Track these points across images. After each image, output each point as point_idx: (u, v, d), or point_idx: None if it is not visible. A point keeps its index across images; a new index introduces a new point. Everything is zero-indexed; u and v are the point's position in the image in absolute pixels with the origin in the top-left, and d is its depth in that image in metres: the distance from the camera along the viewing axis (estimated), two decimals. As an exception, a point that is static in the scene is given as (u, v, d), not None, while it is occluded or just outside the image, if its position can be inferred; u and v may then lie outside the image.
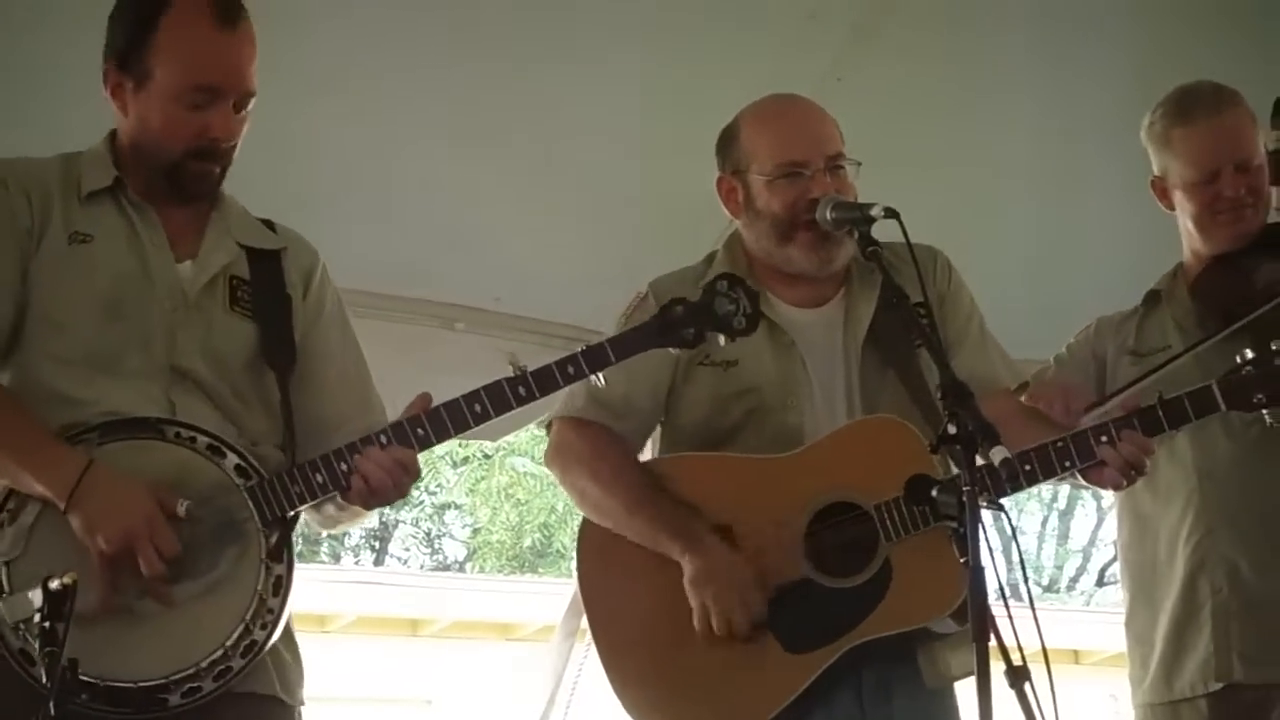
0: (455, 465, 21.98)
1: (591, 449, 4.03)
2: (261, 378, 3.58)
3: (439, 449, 20.81)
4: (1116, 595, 4.51)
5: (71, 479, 3.26)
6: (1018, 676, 3.12)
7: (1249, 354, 3.81)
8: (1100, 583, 25.19)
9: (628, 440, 4.09)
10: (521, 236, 5.61)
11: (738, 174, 4.07)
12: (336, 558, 23.17)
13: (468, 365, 5.63)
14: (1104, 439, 3.81)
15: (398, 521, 23.72)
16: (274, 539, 3.41)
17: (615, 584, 3.97)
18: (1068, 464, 3.82)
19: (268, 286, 3.63)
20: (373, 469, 3.45)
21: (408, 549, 24.22)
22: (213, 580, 3.35)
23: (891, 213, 3.68)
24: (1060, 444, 3.83)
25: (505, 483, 21.32)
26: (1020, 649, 3.16)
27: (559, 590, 9.68)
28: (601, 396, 3.99)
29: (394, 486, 3.48)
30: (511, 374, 3.53)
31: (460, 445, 20.95)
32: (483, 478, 21.57)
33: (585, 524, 4.04)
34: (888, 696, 3.89)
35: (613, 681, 3.90)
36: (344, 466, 3.45)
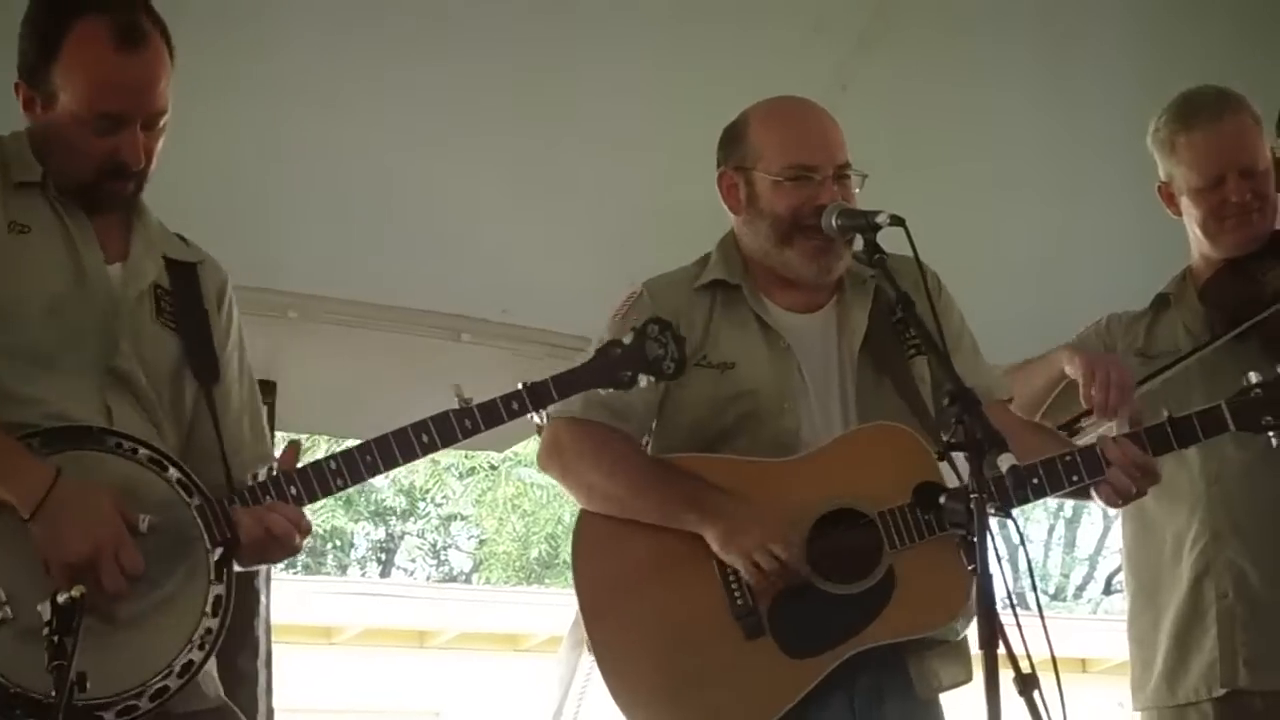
0: (461, 476, 21.96)
1: (592, 442, 3.96)
2: (181, 392, 3.53)
3: (444, 460, 20.75)
4: (1123, 603, 4.50)
5: (39, 489, 3.20)
6: (1026, 684, 3.12)
7: (1256, 377, 3.83)
8: (1107, 591, 25.14)
9: (627, 434, 4.03)
10: (528, 248, 5.61)
11: (741, 170, 4.03)
12: (343, 569, 23.17)
13: (474, 376, 5.61)
14: (1108, 459, 3.81)
15: (404, 533, 23.71)
16: (218, 558, 3.37)
17: (613, 584, 3.93)
18: (1075, 478, 3.82)
19: (188, 299, 3.58)
20: (251, 524, 3.41)
21: (414, 560, 24.19)
22: (161, 598, 3.30)
23: (898, 220, 3.68)
24: (1069, 458, 3.83)
25: (512, 493, 21.29)
26: (1029, 657, 3.17)
27: (566, 601, 9.65)
28: (598, 397, 3.95)
29: (278, 544, 3.45)
30: (457, 405, 3.55)
31: (466, 456, 20.90)
32: (489, 488, 21.54)
33: (580, 526, 3.98)
34: (880, 703, 3.87)
35: (609, 683, 3.86)
36: (294, 490, 3.44)
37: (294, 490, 3.45)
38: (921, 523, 3.78)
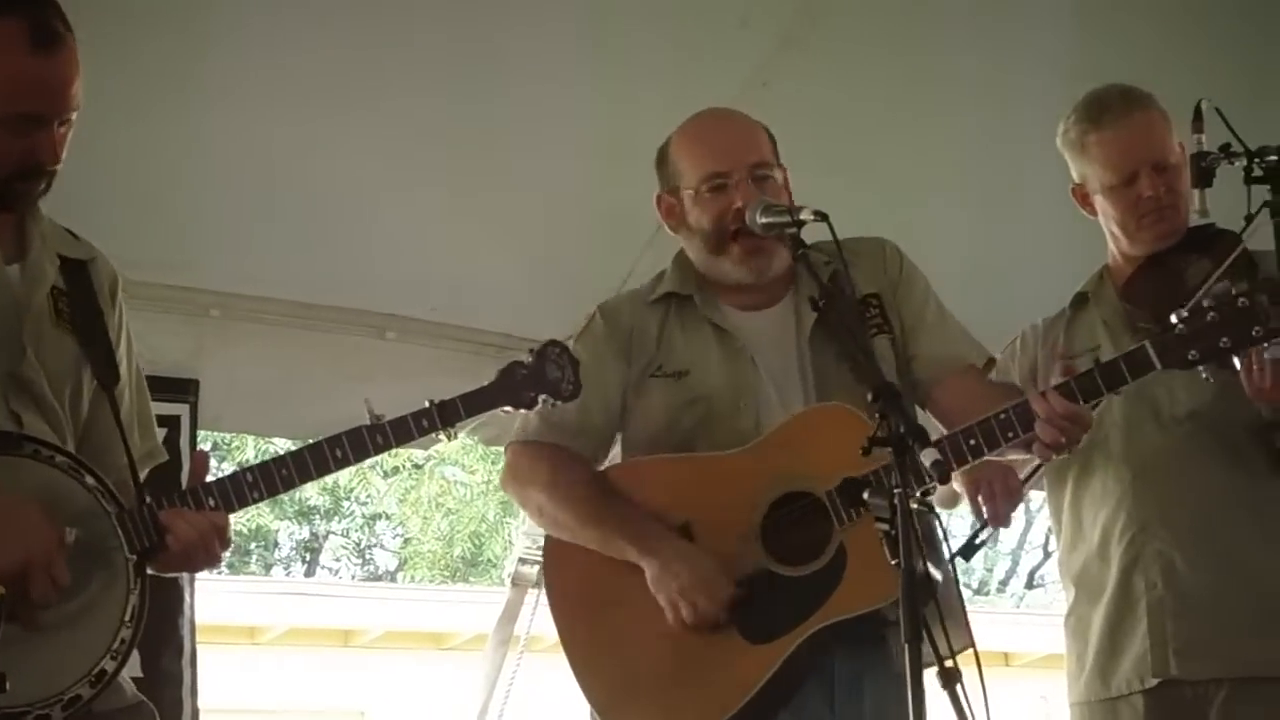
0: (385, 475, 21.88)
1: (545, 467, 4.10)
2: (79, 395, 3.52)
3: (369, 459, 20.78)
4: (1046, 598, 4.55)
5: None
6: (949, 678, 3.14)
7: (1182, 313, 3.78)
8: (1030, 585, 25.30)
9: (585, 456, 4.14)
10: (453, 247, 5.60)
11: (672, 191, 4.12)
12: (268, 569, 23.04)
13: (399, 375, 5.62)
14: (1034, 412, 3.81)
15: (329, 533, 23.61)
16: (134, 567, 3.37)
17: (578, 593, 4.03)
18: (1011, 435, 3.81)
19: (83, 299, 3.55)
20: (184, 528, 3.42)
21: (338, 560, 24.09)
22: (80, 606, 3.30)
23: (821, 215, 3.71)
24: (1003, 415, 3.83)
25: (436, 492, 21.21)
26: (952, 651, 3.19)
27: (491, 599, 9.65)
28: (554, 418, 4.04)
29: (205, 551, 3.46)
30: (369, 421, 3.58)
31: (390, 455, 20.84)
32: (413, 487, 21.47)
33: (549, 540, 4.13)
34: (859, 691, 3.91)
35: (582, 686, 3.95)
36: (211, 501, 3.44)
37: (211, 502, 3.46)
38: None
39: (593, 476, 4.10)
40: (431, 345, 5.75)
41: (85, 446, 3.51)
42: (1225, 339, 3.72)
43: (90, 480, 3.37)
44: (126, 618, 3.34)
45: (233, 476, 3.49)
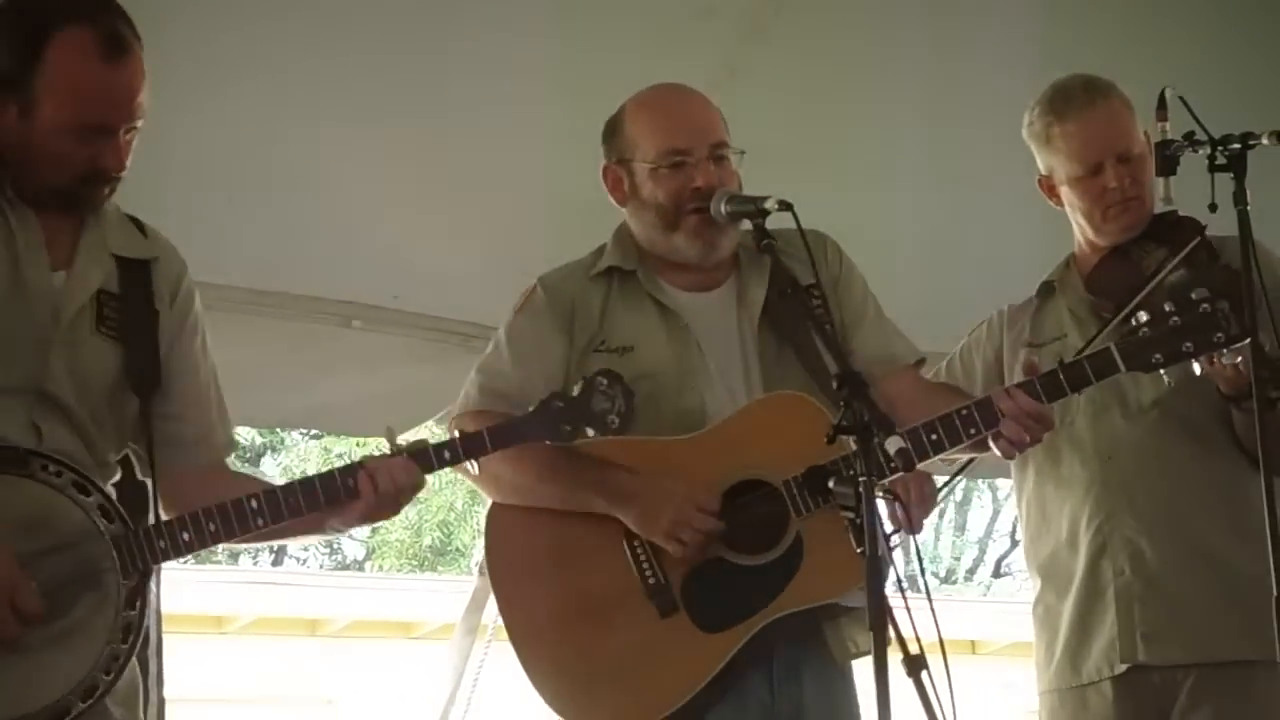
0: (353, 465, 21.84)
1: None
2: (121, 400, 3.50)
3: (335, 448, 20.55)
4: (1013, 586, 4.56)
5: None
6: (914, 666, 3.15)
7: (1144, 316, 3.84)
8: (997, 574, 25.37)
9: None
10: (419, 234, 5.59)
11: (623, 163, 4.08)
12: (235, 558, 22.99)
13: (365, 363, 5.62)
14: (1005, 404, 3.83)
15: (296, 522, 23.55)
16: (131, 586, 3.36)
17: (525, 572, 3.95)
18: (973, 430, 3.84)
19: (136, 302, 3.53)
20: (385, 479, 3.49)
21: (306, 549, 24.02)
22: (66, 626, 3.28)
23: (785, 205, 3.71)
24: (965, 411, 3.85)
25: (404, 481, 21.19)
26: (918, 639, 3.19)
27: (459, 588, 9.66)
28: (497, 387, 4.00)
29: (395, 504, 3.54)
30: (389, 451, 3.57)
31: (358, 444, 20.80)
32: (380, 476, 21.44)
33: (492, 516, 4.02)
34: (797, 679, 3.91)
35: (526, 669, 3.88)
36: (212, 526, 3.42)
37: (212, 527, 3.43)
38: (825, 488, 3.81)
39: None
40: (395, 334, 5.72)
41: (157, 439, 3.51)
42: (1189, 344, 3.80)
43: (94, 498, 3.34)
44: (118, 638, 3.32)
45: (236, 503, 3.44)
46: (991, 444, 3.91)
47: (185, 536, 3.41)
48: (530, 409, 3.66)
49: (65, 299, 3.44)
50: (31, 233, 3.43)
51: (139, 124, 3.45)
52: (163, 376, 3.55)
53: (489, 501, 4.04)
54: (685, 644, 3.83)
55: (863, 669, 3.90)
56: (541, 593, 3.93)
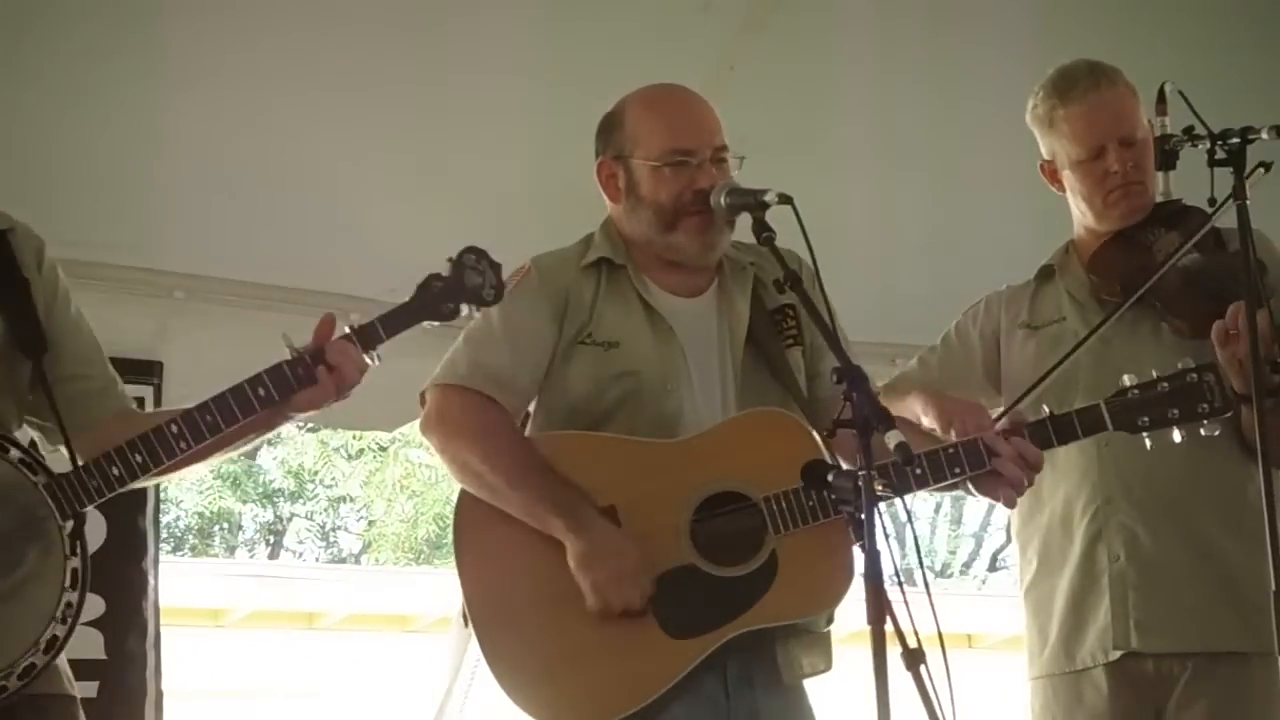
0: (350, 458, 21.87)
1: (476, 420, 3.95)
2: (13, 367, 3.50)
3: (332, 441, 20.48)
4: (1009, 579, 4.54)
5: None
6: (913, 659, 3.15)
7: (1130, 379, 3.92)
8: (993, 567, 25.39)
9: (509, 414, 4.01)
10: (413, 228, 5.59)
11: (620, 159, 4.05)
12: (231, 551, 23.02)
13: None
14: (994, 452, 3.86)
15: (292, 515, 23.59)
16: (69, 532, 3.36)
17: (492, 561, 3.91)
18: (957, 470, 3.85)
19: (4, 270, 3.52)
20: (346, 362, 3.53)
21: (302, 542, 24.07)
22: (18, 579, 3.29)
23: (785, 198, 3.70)
24: (951, 450, 3.87)
25: (400, 474, 21.22)
26: (916, 632, 3.19)
27: (455, 582, 9.64)
28: (488, 366, 3.96)
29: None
30: (289, 355, 3.55)
31: (355, 437, 20.82)
32: (377, 469, 21.47)
33: (463, 499, 3.97)
34: (749, 686, 3.89)
35: (486, 657, 3.85)
36: (138, 457, 3.42)
37: (139, 458, 3.43)
38: (806, 508, 3.81)
39: (522, 439, 3.98)
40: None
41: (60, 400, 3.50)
42: (1174, 410, 3.90)
43: (15, 453, 3.35)
44: (67, 583, 3.33)
45: (156, 430, 3.44)
46: (970, 487, 3.93)
47: (115, 471, 3.41)
48: (413, 291, 3.67)
49: None
50: None
51: None
52: (49, 340, 3.55)
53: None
54: (649, 647, 3.80)
55: (815, 687, 3.95)
56: (506, 583, 3.89)
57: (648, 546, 3.81)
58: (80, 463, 3.43)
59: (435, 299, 3.66)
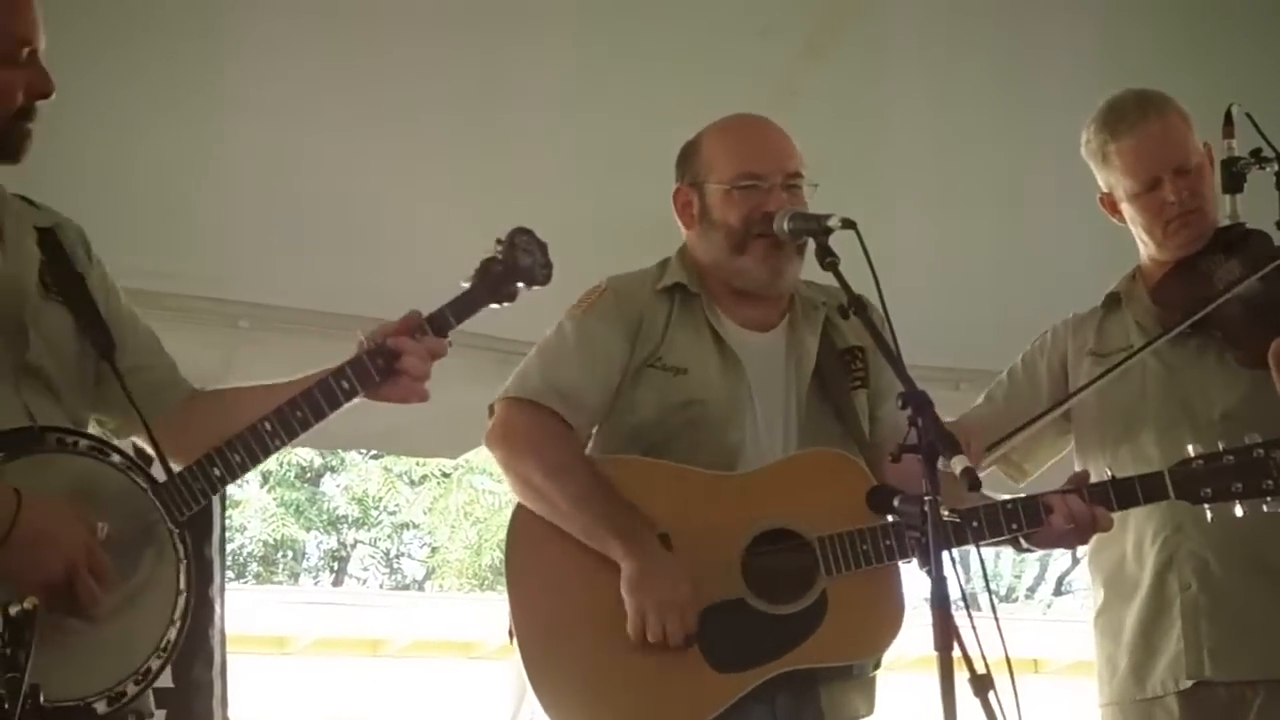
0: (413, 484, 21.93)
1: (542, 435, 3.97)
2: (85, 363, 3.50)
3: (396, 468, 20.54)
4: (1074, 604, 4.53)
5: (5, 518, 3.14)
6: (981, 685, 3.13)
7: (1195, 449, 3.92)
8: (1058, 591, 25.24)
9: (576, 432, 4.02)
10: (476, 255, 5.60)
11: (695, 185, 4.08)
12: (295, 579, 23.09)
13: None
14: (1050, 509, 3.87)
15: (356, 542, 23.65)
16: (180, 534, 3.37)
17: (543, 579, 3.91)
18: (1014, 526, 3.87)
19: (61, 266, 3.51)
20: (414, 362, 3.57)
21: (366, 569, 24.13)
22: (136, 586, 3.30)
23: (849, 223, 3.70)
24: (1009, 506, 3.89)
25: (464, 501, 21.26)
26: (984, 658, 3.18)
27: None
28: (560, 382, 3.98)
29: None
30: (359, 352, 3.60)
31: (418, 464, 20.86)
32: (441, 496, 21.51)
33: (519, 515, 3.96)
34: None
35: (530, 677, 3.85)
36: (237, 457, 3.44)
37: (238, 458, 3.45)
38: (859, 552, 3.82)
39: (586, 460, 3.99)
40: (458, 355, 5.71)
41: (135, 378, 3.52)
42: (1238, 485, 3.89)
43: (117, 458, 3.36)
44: (181, 585, 3.34)
45: (252, 429, 3.47)
46: (1024, 542, 3.96)
47: (216, 471, 3.43)
48: (474, 276, 3.71)
49: (20, 270, 3.42)
50: None
51: (42, 46, 3.35)
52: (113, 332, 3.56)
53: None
54: (693, 679, 3.79)
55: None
56: (556, 603, 3.89)
57: (699, 577, 3.81)
58: (170, 467, 3.44)
59: (497, 281, 3.71)
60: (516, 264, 3.71)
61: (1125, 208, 4.32)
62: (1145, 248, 4.37)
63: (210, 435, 3.51)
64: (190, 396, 3.68)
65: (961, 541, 3.79)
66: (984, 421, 4.39)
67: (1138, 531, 4.29)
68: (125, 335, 3.59)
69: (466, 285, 3.71)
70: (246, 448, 3.46)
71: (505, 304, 3.72)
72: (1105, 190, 4.37)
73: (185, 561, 3.36)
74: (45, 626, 3.05)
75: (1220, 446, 3.92)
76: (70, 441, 3.33)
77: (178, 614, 3.33)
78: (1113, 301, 4.45)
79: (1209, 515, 3.93)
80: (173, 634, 3.33)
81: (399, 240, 5.51)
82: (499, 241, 3.73)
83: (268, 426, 3.47)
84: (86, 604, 3.21)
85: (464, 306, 3.69)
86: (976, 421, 4.35)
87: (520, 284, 3.72)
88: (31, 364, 3.39)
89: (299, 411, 3.50)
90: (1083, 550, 4.43)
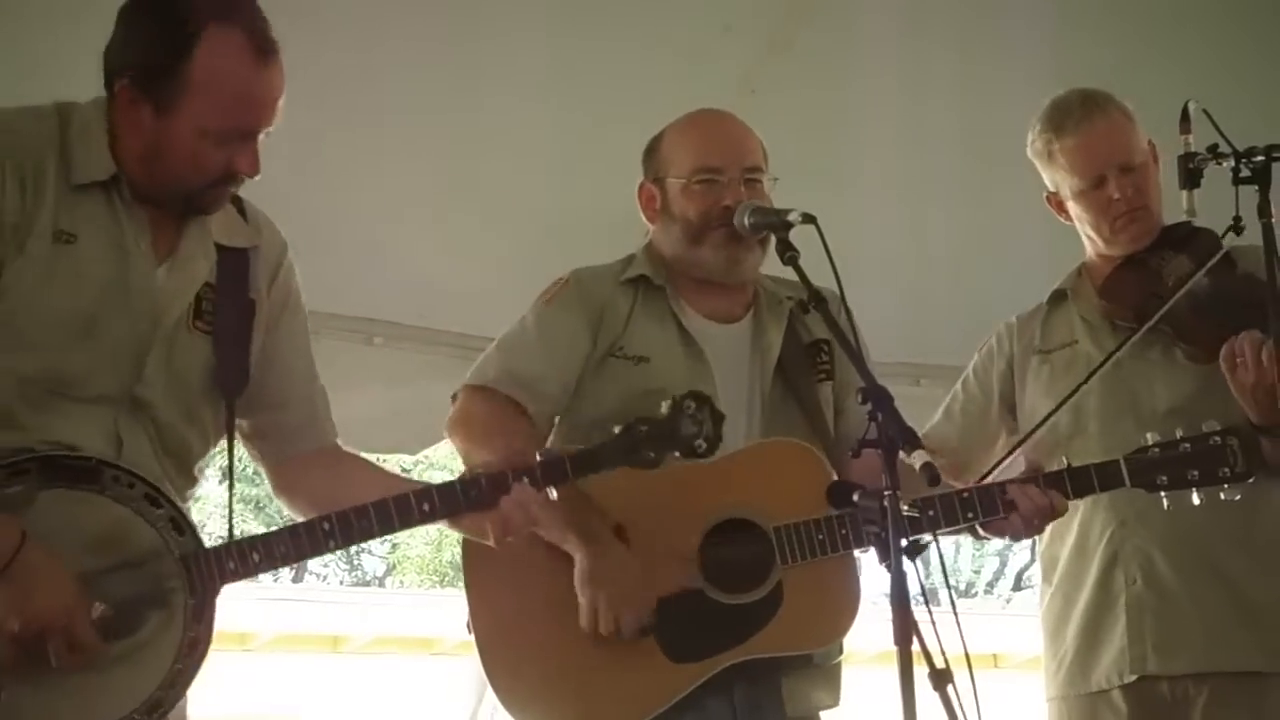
0: (374, 481, 21.88)
1: (499, 424, 3.97)
2: (210, 397, 3.45)
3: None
4: (1034, 599, 4.54)
5: (5, 553, 3.10)
6: (941, 680, 3.14)
7: (1153, 437, 3.93)
8: (1018, 586, 25.35)
9: (535, 423, 4.02)
10: (441, 250, 5.60)
11: (657, 180, 4.11)
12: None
13: (386, 380, 5.62)
14: (1008, 496, 3.89)
15: (316, 538, 23.61)
16: (197, 603, 3.31)
17: (499, 572, 3.88)
18: (970, 515, 3.89)
19: (232, 294, 3.46)
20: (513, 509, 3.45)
21: (327, 565, 24.13)
22: (134, 644, 3.24)
23: (809, 218, 3.72)
24: (966, 495, 3.90)
25: (424, 497, 21.24)
26: (943, 652, 3.19)
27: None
28: (519, 371, 3.98)
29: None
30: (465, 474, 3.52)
31: (379, 459, 20.81)
32: (401, 492, 21.49)
33: None
34: (760, 711, 3.90)
35: (486, 668, 3.85)
36: (281, 549, 3.37)
37: (282, 549, 3.38)
38: (815, 542, 3.83)
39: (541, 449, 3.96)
40: (421, 351, 5.73)
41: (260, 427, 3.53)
42: (1194, 472, 3.90)
43: (163, 511, 3.29)
44: (183, 651, 3.29)
45: (308, 525, 3.40)
46: (980, 530, 3.98)
47: (255, 558, 3.36)
48: (615, 432, 3.57)
49: (169, 300, 3.38)
50: (141, 232, 3.36)
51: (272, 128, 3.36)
52: (259, 366, 3.51)
53: None
54: (649, 668, 3.80)
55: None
56: (513, 596, 3.88)
57: (654, 568, 3.83)
58: (233, 529, 3.42)
59: (638, 443, 3.57)
60: (675, 430, 3.57)
61: (1071, 206, 4.34)
62: (1092, 245, 4.39)
63: (315, 498, 3.51)
64: (318, 451, 3.64)
65: (919, 530, 3.79)
66: (944, 438, 4.41)
67: (1084, 527, 4.31)
68: (271, 374, 3.55)
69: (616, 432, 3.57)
70: (296, 542, 3.40)
71: (641, 468, 3.57)
72: (1052, 189, 4.39)
73: (191, 628, 3.30)
74: (27, 666, 3.12)
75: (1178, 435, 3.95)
76: (125, 483, 3.27)
77: (167, 679, 3.27)
78: (1058, 298, 4.47)
79: (1165, 504, 3.93)
80: (169, 695, 3.28)
81: (367, 238, 5.50)
82: (670, 402, 3.59)
83: (325, 527, 3.40)
84: (57, 665, 3.15)
85: (588, 462, 3.57)
86: (939, 440, 4.33)
87: (670, 452, 3.57)
88: (139, 396, 3.35)
89: (364, 520, 3.41)
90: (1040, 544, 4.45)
